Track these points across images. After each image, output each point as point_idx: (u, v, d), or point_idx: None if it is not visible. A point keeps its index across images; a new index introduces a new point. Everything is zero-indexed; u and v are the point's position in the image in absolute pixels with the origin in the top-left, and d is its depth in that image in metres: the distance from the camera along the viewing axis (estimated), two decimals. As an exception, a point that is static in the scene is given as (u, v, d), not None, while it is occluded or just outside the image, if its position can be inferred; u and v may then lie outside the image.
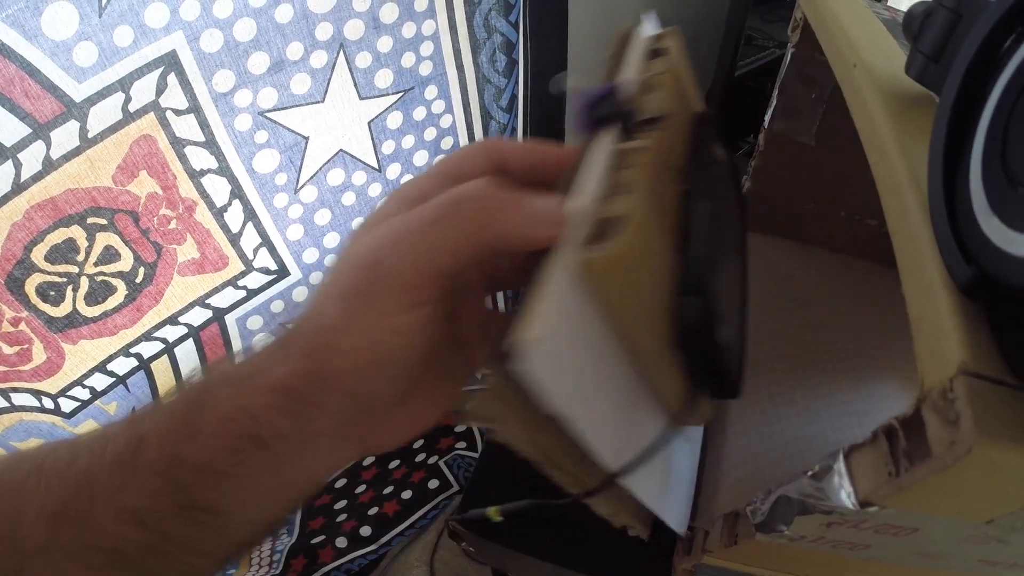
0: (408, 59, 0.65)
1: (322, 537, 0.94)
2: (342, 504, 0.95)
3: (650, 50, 0.37)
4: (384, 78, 0.64)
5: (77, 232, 0.52)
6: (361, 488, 0.97)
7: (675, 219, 0.31)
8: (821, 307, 0.54)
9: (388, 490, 0.99)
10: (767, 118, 0.51)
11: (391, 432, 0.30)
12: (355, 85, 0.63)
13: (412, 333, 0.26)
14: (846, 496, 0.25)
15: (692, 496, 0.41)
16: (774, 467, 0.45)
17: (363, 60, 0.62)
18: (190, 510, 0.26)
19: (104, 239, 0.54)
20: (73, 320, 0.55)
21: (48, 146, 0.47)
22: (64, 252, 0.52)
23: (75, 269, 0.53)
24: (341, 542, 0.95)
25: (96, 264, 0.54)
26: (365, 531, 0.97)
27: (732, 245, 0.39)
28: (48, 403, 0.57)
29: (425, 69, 0.67)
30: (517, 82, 0.77)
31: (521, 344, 0.23)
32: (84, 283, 0.55)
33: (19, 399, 0.55)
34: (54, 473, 0.26)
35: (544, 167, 0.30)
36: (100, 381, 0.60)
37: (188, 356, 0.67)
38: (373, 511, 0.98)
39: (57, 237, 0.51)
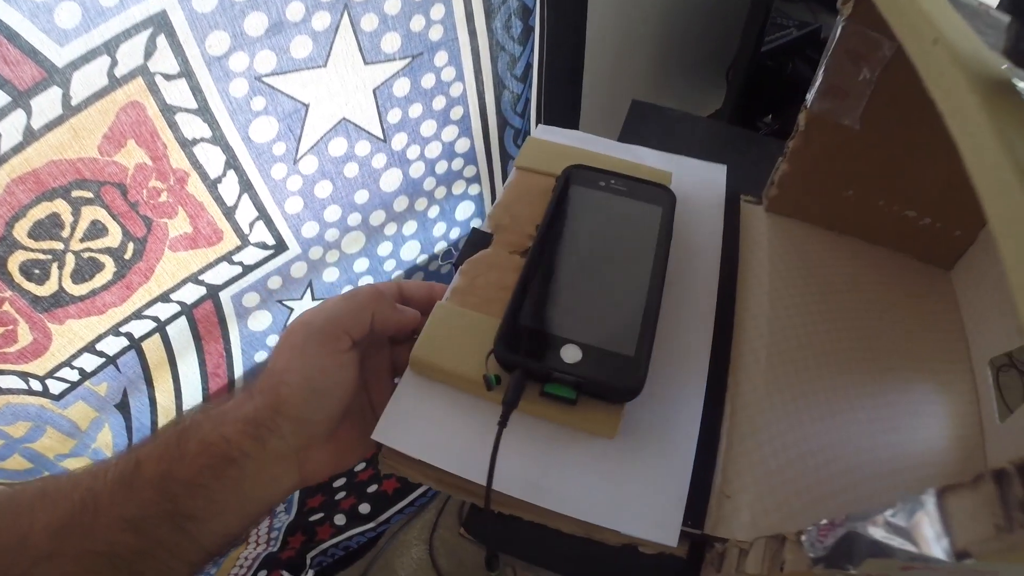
0: (417, 22, 0.61)
1: (320, 515, 0.93)
2: (341, 482, 0.94)
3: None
4: (391, 42, 0.61)
5: (61, 206, 0.49)
6: (360, 465, 0.95)
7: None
8: (855, 301, 0.51)
9: (387, 467, 0.98)
10: (809, 96, 0.47)
11: (321, 463, 0.40)
12: (360, 49, 0.59)
13: (333, 371, 0.38)
14: (939, 545, 0.22)
15: (680, 506, 0.39)
16: (808, 474, 0.42)
17: (369, 22, 0.58)
18: (176, 517, 0.34)
19: (90, 213, 0.51)
20: (59, 299, 0.53)
21: (29, 115, 0.44)
22: (48, 228, 0.49)
23: (60, 246, 0.51)
24: (339, 519, 0.94)
25: (82, 240, 0.52)
26: (364, 508, 0.96)
27: (594, 264, 0.47)
28: (36, 385, 0.55)
29: (435, 33, 0.63)
30: (533, 50, 0.73)
31: (377, 430, 0.39)
32: (70, 260, 0.52)
33: (5, 382, 0.53)
34: (59, 495, 0.33)
35: (430, 297, 0.47)
36: (89, 362, 0.58)
37: (181, 334, 0.64)
38: (372, 489, 0.97)
39: (40, 212, 0.48)
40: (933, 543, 0.22)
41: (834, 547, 0.27)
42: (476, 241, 0.50)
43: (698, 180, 0.55)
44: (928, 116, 0.45)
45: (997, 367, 0.47)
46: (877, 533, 0.25)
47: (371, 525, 0.97)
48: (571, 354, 0.41)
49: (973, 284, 0.52)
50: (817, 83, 0.46)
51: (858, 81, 0.45)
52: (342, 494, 0.95)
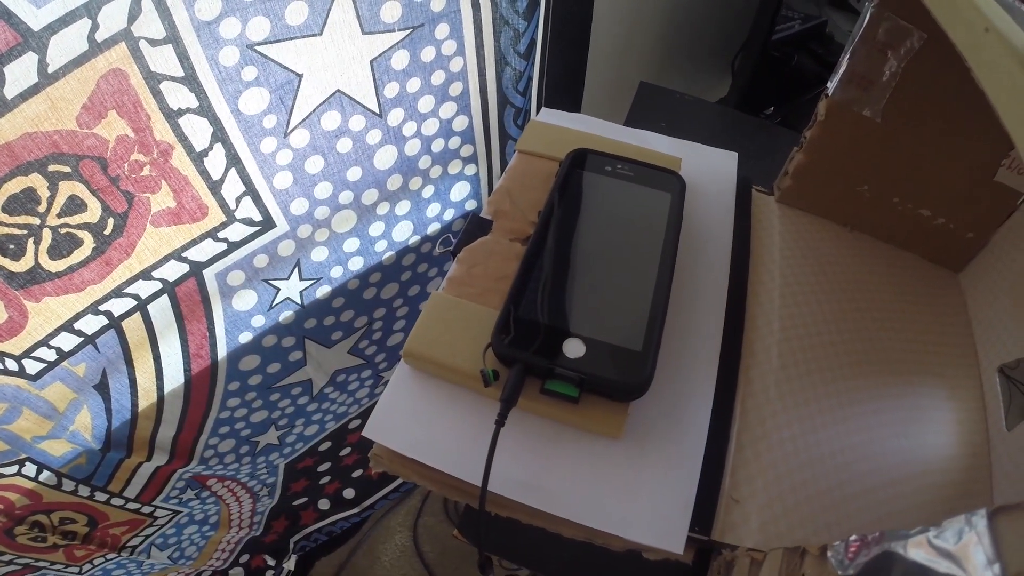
0: (419, -8, 0.58)
1: (304, 499, 0.91)
2: (326, 466, 0.93)
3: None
4: (391, 12, 0.58)
5: (37, 181, 0.47)
6: (346, 450, 0.94)
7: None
8: (865, 301, 0.50)
9: (373, 450, 0.97)
10: (831, 84, 0.45)
11: None
12: (358, 18, 0.56)
13: None
14: (989, 571, 0.20)
15: (687, 511, 0.38)
16: (819, 479, 0.41)
17: (368, -10, 0.55)
18: None
19: (68, 188, 0.49)
20: (36, 275, 0.51)
21: (2, 83, 0.41)
22: (23, 202, 0.47)
23: (36, 221, 0.48)
24: (324, 504, 0.93)
25: (60, 215, 0.49)
26: (348, 494, 0.95)
27: (599, 253, 0.45)
28: (12, 365, 0.53)
29: (437, 4, 0.60)
30: (538, 26, 0.70)
31: (368, 426, 0.39)
32: (47, 236, 0.50)
33: (-22, 361, 0.51)
34: None
35: None
36: (67, 341, 0.56)
37: (162, 313, 0.62)
38: (357, 474, 0.96)
39: (15, 186, 0.46)
40: (982, 569, 0.21)
41: (867, 566, 0.25)
42: (475, 227, 0.48)
43: (708, 167, 0.53)
44: (951, 114, 0.44)
45: (1006, 374, 0.46)
46: (918, 555, 0.23)
47: (355, 510, 0.96)
48: (574, 349, 0.39)
49: (983, 288, 0.51)
50: (840, 70, 0.44)
51: (884, 71, 0.43)
52: (327, 479, 0.93)
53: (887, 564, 0.24)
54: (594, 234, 0.46)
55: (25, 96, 0.43)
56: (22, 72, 0.42)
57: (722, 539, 0.38)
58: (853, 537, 0.27)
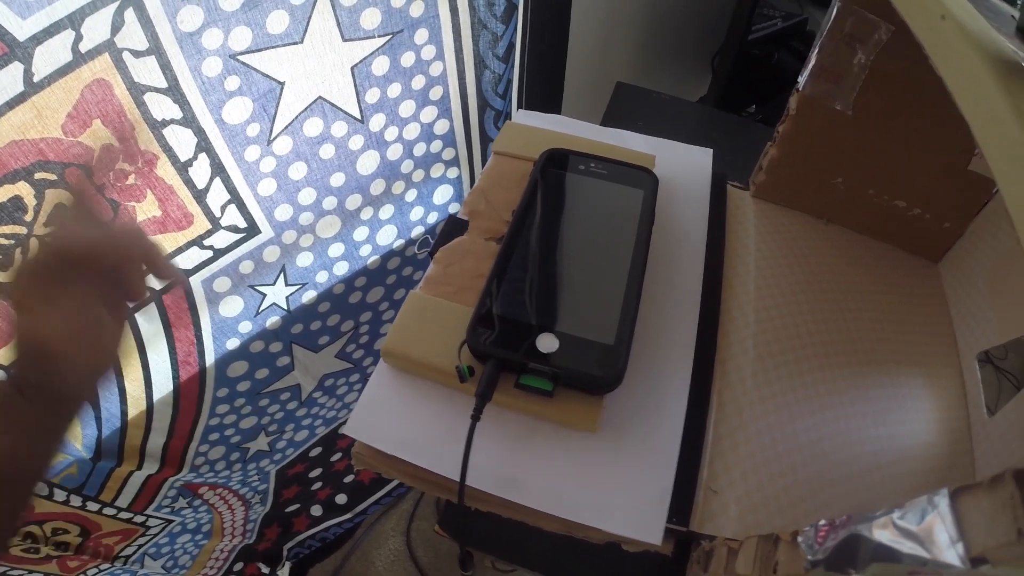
0: (397, -2, 0.59)
1: (296, 506, 0.91)
2: (317, 472, 0.93)
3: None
4: (371, 18, 0.58)
5: (24, 189, 0.47)
6: (337, 456, 0.94)
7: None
8: (843, 292, 0.51)
9: (364, 455, 0.97)
10: (801, 79, 0.46)
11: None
12: (338, 25, 0.57)
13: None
14: (952, 550, 0.21)
15: (664, 502, 0.38)
16: (797, 469, 0.41)
17: (347, -3, 0.56)
18: None
19: (54, 196, 0.49)
20: None
21: None
22: (10, 211, 0.47)
23: (23, 230, 0.49)
24: (316, 510, 0.93)
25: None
26: (340, 499, 0.95)
27: (572, 250, 0.46)
28: (1, 375, 0.52)
29: (416, 10, 0.61)
30: (516, 29, 0.71)
31: (348, 424, 0.40)
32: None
33: (-32, 370, 0.51)
34: None
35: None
36: None
37: (150, 321, 0.63)
38: (349, 479, 0.95)
39: (2, 195, 0.46)
40: (946, 548, 0.21)
41: (835, 549, 0.26)
42: (451, 228, 0.49)
43: (683, 164, 0.54)
44: (922, 104, 0.45)
45: (989, 361, 0.47)
46: (883, 536, 0.24)
47: (348, 516, 0.96)
48: (547, 344, 0.40)
49: (961, 277, 0.52)
50: (810, 65, 0.45)
51: (852, 64, 0.44)
52: (318, 484, 0.93)
53: (854, 546, 0.25)
54: (567, 231, 0.47)
55: (11, 105, 0.43)
56: (8, 81, 0.42)
57: (701, 530, 0.39)
58: (822, 522, 0.28)
